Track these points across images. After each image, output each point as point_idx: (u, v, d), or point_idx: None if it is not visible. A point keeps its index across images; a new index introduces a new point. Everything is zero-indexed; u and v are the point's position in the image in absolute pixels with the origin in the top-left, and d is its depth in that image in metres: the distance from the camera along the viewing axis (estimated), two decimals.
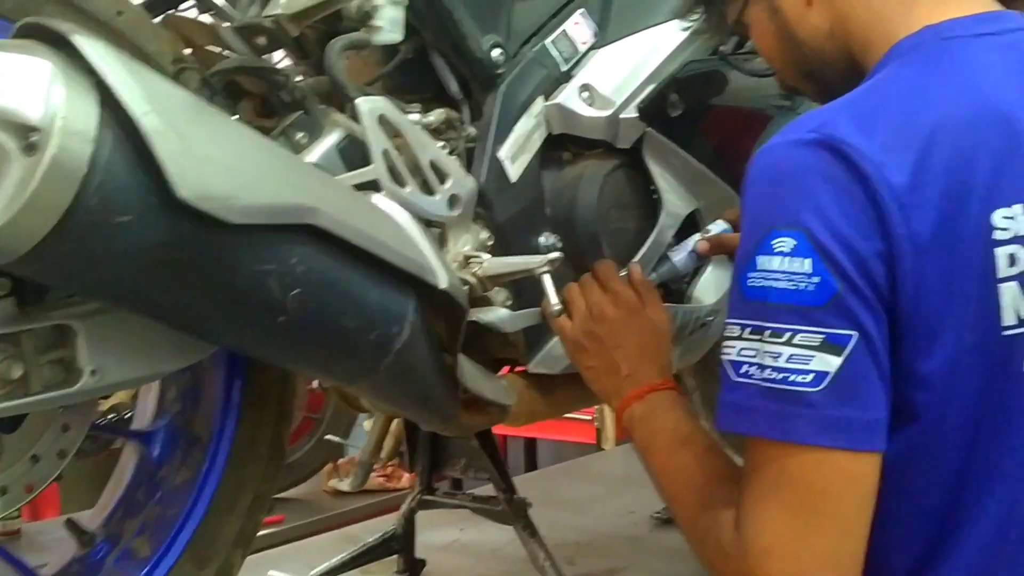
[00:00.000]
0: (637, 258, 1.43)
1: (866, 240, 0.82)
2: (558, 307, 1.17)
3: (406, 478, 3.21)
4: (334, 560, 1.57)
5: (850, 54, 0.99)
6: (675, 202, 1.51)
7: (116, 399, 1.93)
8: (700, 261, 1.47)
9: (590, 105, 1.40)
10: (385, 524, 1.95)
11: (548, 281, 1.16)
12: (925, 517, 0.87)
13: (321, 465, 3.38)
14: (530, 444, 4.46)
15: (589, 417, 3.84)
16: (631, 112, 1.41)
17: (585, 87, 1.39)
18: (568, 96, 1.38)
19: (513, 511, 1.48)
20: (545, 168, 1.38)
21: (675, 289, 1.56)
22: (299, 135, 1.11)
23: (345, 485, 2.99)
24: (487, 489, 1.52)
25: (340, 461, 3.29)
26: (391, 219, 1.00)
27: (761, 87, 1.66)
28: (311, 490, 3.40)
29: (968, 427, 0.85)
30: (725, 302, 1.61)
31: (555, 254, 1.17)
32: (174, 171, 0.74)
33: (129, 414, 1.19)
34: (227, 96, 1.12)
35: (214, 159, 0.78)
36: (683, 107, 1.47)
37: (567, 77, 1.40)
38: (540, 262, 1.15)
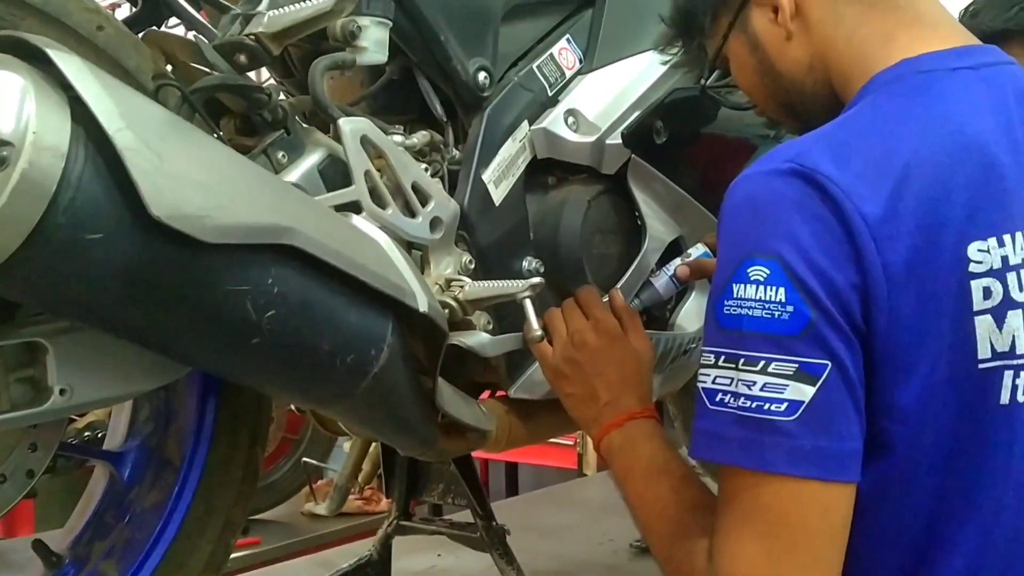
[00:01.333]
0: (620, 284, 1.42)
1: (840, 271, 0.82)
2: (539, 333, 1.15)
3: (384, 502, 3.18)
4: None
5: (829, 87, 1.00)
6: (659, 228, 1.50)
7: (93, 416, 1.91)
8: (681, 286, 1.46)
9: (575, 130, 1.40)
10: (362, 549, 1.93)
11: (530, 306, 1.15)
12: (900, 549, 0.87)
13: (299, 487, 3.35)
14: (511, 468, 4.44)
15: (571, 443, 3.82)
16: (615, 138, 1.41)
17: (570, 112, 1.39)
18: (553, 121, 1.37)
19: (491, 538, 1.46)
20: (529, 192, 1.37)
21: (658, 316, 1.55)
22: (280, 154, 1.10)
23: (322, 509, 2.96)
24: (466, 515, 1.50)
25: (318, 484, 3.26)
26: (371, 240, 0.99)
27: (746, 117, 1.67)
28: (288, 512, 3.36)
29: (943, 460, 0.85)
30: None
31: (537, 279, 1.16)
32: (147, 189, 0.73)
33: (102, 433, 1.17)
34: (208, 114, 1.11)
35: (189, 177, 0.77)
36: (668, 134, 1.47)
37: (553, 102, 1.40)
38: (522, 287, 1.14)
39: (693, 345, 1.59)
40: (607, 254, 1.44)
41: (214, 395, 1.11)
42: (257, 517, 3.41)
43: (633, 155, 1.42)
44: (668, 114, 1.46)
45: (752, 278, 0.84)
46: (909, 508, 0.85)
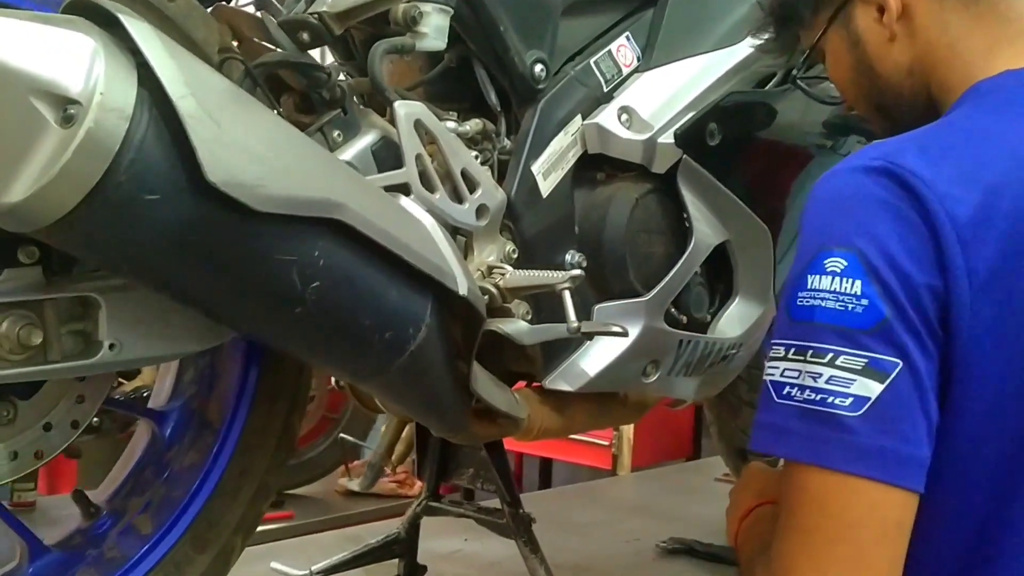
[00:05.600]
0: (661, 285, 1.43)
1: (921, 271, 0.81)
2: (576, 325, 1.16)
3: (417, 486, 3.21)
4: (335, 558, 1.58)
5: (927, 92, 0.99)
6: (706, 231, 1.50)
7: (140, 381, 1.96)
8: None
9: (628, 128, 1.40)
10: (391, 528, 1.96)
11: (568, 298, 1.17)
12: (951, 561, 0.86)
13: (335, 465, 3.39)
14: (545, 464, 4.44)
15: (606, 442, 3.82)
16: (668, 138, 1.42)
17: (624, 109, 1.40)
18: (607, 117, 1.38)
19: (516, 525, 1.47)
20: (577, 187, 1.39)
21: (698, 319, 1.55)
22: (335, 133, 1.12)
23: (355, 485, 3.00)
24: (495, 502, 1.51)
25: (354, 464, 3.30)
26: (417, 222, 1.01)
27: (804, 124, 1.66)
28: (323, 489, 3.41)
29: (1001, 474, 0.84)
30: (749, 337, 1.62)
31: (577, 272, 1.18)
32: (205, 155, 0.76)
33: (148, 394, 1.20)
34: (270, 89, 1.14)
35: (246, 147, 0.80)
36: (721, 137, 1.48)
37: (608, 98, 1.41)
38: (562, 278, 1.15)
39: (733, 351, 1.59)
40: (651, 253, 1.45)
41: (256, 363, 1.14)
42: (292, 492, 3.47)
43: (684, 156, 1.43)
44: (723, 117, 1.46)
45: (828, 269, 0.83)
46: (964, 519, 0.85)
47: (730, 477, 2.41)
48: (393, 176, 1.10)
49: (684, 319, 1.52)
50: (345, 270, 0.90)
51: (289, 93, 1.17)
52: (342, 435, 2.84)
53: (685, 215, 1.48)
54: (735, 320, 1.62)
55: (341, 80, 1.16)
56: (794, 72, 1.26)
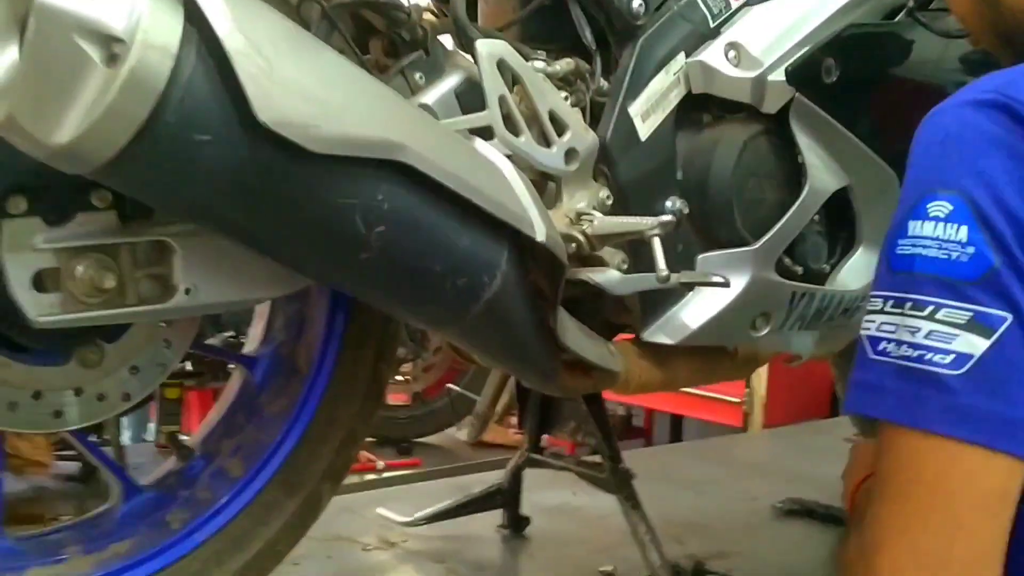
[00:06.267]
0: (771, 234, 1.34)
1: None
2: (665, 273, 1.11)
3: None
4: (439, 506, 1.58)
5: None
6: (822, 176, 1.40)
7: None
8: None
9: (736, 65, 1.32)
10: (495, 477, 1.96)
11: (658, 245, 1.11)
12: None
13: (462, 416, 3.44)
14: (676, 421, 4.38)
15: (738, 399, 3.73)
16: (779, 75, 1.32)
17: (732, 45, 1.31)
18: (713, 54, 1.30)
19: (617, 480, 1.43)
20: (680, 129, 1.31)
21: (816, 270, 1.46)
22: (417, 75, 1.09)
23: (464, 435, 3.04)
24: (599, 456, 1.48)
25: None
26: (491, 165, 0.97)
27: (941, 61, 1.53)
28: (449, 438, 3.47)
29: None
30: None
31: (667, 217, 1.11)
32: (255, 93, 0.74)
33: (244, 339, 1.22)
34: (357, 32, 1.12)
35: (299, 86, 0.78)
36: (840, 74, 1.37)
37: (714, 34, 1.32)
38: (650, 224, 1.09)
39: (856, 304, 1.49)
40: (761, 200, 1.36)
41: (344, 310, 1.14)
42: (421, 440, 3.54)
43: (798, 94, 1.33)
44: (842, 52, 1.35)
45: (931, 214, 0.75)
46: None
47: (860, 437, 2.30)
48: (475, 119, 1.07)
49: (799, 269, 1.43)
50: (411, 214, 0.87)
51: (377, 36, 1.15)
52: (449, 385, 2.86)
53: (799, 158, 1.39)
54: (858, 271, 1.52)
55: (425, 19, 1.13)
56: (911, 3, 1.14)
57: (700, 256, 1.30)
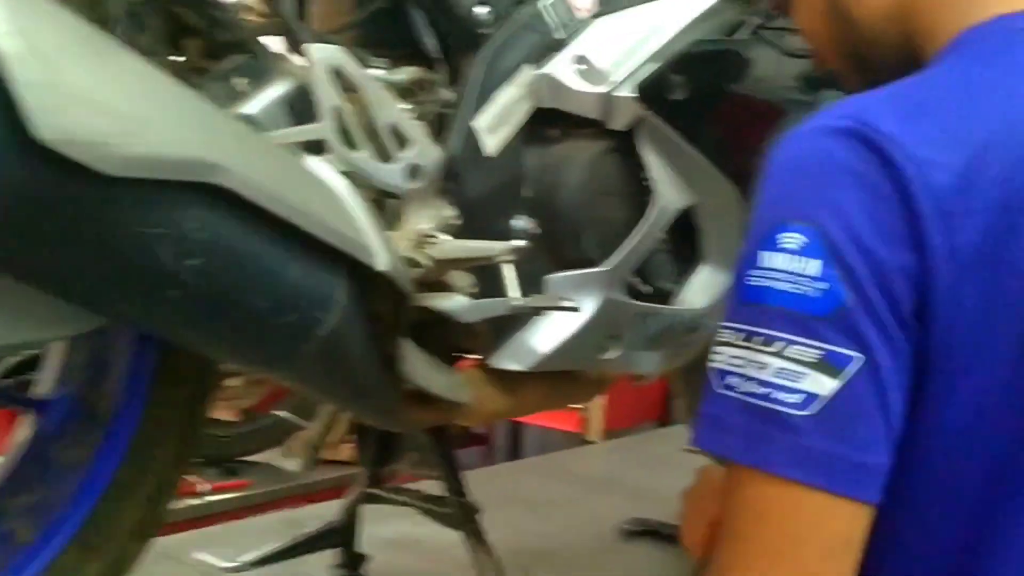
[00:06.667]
0: (621, 254, 1.29)
1: (893, 252, 0.69)
2: (519, 302, 1.03)
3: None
4: (266, 548, 1.45)
5: (908, 41, 0.86)
6: (670, 195, 1.37)
7: None
8: None
9: (584, 79, 1.26)
10: (330, 509, 1.83)
11: (510, 272, 1.03)
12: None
13: (291, 433, 3.26)
14: (515, 428, 4.35)
15: (578, 405, 3.72)
16: (628, 91, 1.28)
17: (580, 59, 1.26)
18: (560, 66, 1.24)
19: (462, 515, 1.35)
20: (527, 145, 1.25)
21: (664, 289, 1.43)
22: (240, 81, 0.97)
23: (292, 465, 2.85)
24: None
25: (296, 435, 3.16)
26: (324, 186, 0.87)
27: (778, 78, 1.52)
28: (278, 457, 3.28)
29: (988, 482, 0.72)
30: (717, 307, 1.49)
31: (519, 242, 1.04)
32: (35, 106, 0.61)
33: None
34: (170, 32, 0.99)
35: (91, 96, 0.65)
36: (687, 91, 1.33)
37: (560, 45, 1.26)
38: (502, 250, 1.02)
39: (700, 321, 1.46)
40: (609, 219, 1.31)
41: (153, 345, 1.00)
42: (249, 460, 3.34)
43: (647, 111, 1.29)
44: (690, 68, 1.32)
45: (783, 246, 0.71)
46: (945, 530, 0.74)
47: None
48: (307, 131, 0.96)
49: (646, 289, 1.40)
50: (230, 245, 0.75)
51: (193, 36, 1.02)
52: (277, 411, 2.69)
53: (647, 177, 1.34)
54: (702, 289, 1.50)
55: (248, 19, 1.01)
56: (757, 21, 1.12)
57: (548, 277, 1.24)
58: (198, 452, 1.08)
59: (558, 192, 1.26)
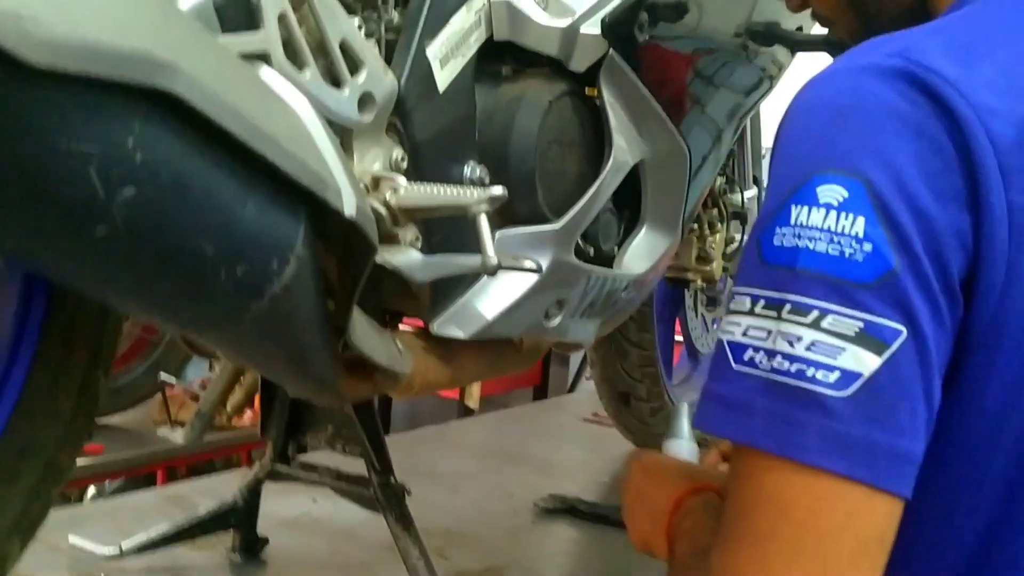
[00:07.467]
0: (574, 211, 1.17)
1: (946, 210, 0.60)
2: (495, 261, 0.89)
3: (249, 415, 2.88)
4: (154, 531, 1.26)
5: None
6: (624, 148, 1.25)
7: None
8: None
9: (545, 10, 1.12)
10: (220, 483, 1.65)
11: (485, 225, 0.89)
12: (953, 562, 0.68)
13: (151, 393, 3.00)
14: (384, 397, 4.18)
15: None
16: (592, 27, 1.14)
17: None
18: None
19: (386, 497, 1.20)
20: (479, 81, 1.10)
21: (605, 251, 1.31)
22: None
23: (179, 437, 2.61)
24: (359, 465, 1.24)
25: (173, 392, 2.92)
26: (286, 106, 0.70)
27: (719, 28, 1.42)
28: (138, 419, 3.02)
29: (1014, 463, 0.65)
30: (652, 272, 1.39)
31: (498, 190, 0.90)
32: None
33: None
34: None
35: None
36: (650, 32, 1.21)
37: None
38: (478, 198, 0.87)
39: (629, 287, 1.36)
40: (564, 171, 1.18)
41: (42, 295, 0.81)
42: (102, 422, 3.05)
43: (612, 51, 1.16)
44: (655, 6, 1.20)
45: (822, 199, 0.61)
46: (967, 515, 0.67)
47: (601, 419, 2.23)
48: (247, 42, 0.78)
49: (590, 250, 1.28)
50: (176, 171, 0.58)
51: None
52: (161, 373, 2.46)
53: (604, 126, 1.22)
54: (641, 253, 1.40)
55: None
56: None
57: (498, 233, 1.10)
58: (90, 431, 0.89)
59: (512, 138, 1.12)
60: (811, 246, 0.61)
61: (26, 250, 0.58)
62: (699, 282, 1.87)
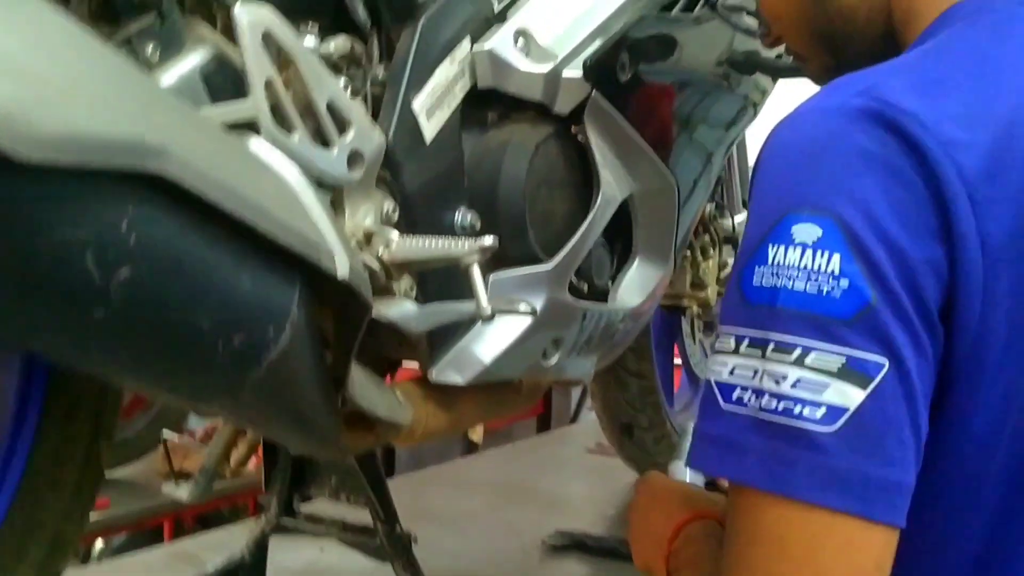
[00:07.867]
0: (566, 250, 1.18)
1: (919, 243, 0.62)
2: (489, 310, 0.90)
3: (253, 462, 2.87)
4: None
5: (887, 17, 0.80)
6: (612, 184, 1.27)
7: None
8: None
9: (526, 56, 1.14)
10: (228, 535, 1.65)
11: (478, 274, 0.90)
12: None
13: (155, 445, 2.99)
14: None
15: None
16: (573, 70, 1.16)
17: (521, 33, 1.13)
18: (500, 42, 1.11)
19: (393, 546, 1.20)
20: (466, 129, 1.11)
21: (599, 286, 1.32)
22: (148, 48, 0.80)
23: (183, 493, 2.60)
24: (364, 515, 1.24)
25: (177, 443, 2.91)
26: (275, 176, 0.71)
27: (701, 60, 1.44)
28: (143, 471, 3.01)
29: (1008, 484, 0.66)
30: (647, 303, 1.40)
31: (489, 239, 0.91)
32: None
33: None
34: None
35: (4, 58, 0.48)
36: (632, 72, 1.23)
37: (500, 18, 1.14)
38: (469, 249, 0.88)
39: (627, 320, 1.37)
40: (553, 212, 1.20)
41: (43, 372, 0.81)
42: (108, 476, 3.04)
43: (594, 92, 1.18)
44: (636, 47, 1.22)
45: (797, 239, 0.63)
46: (964, 533, 0.68)
47: (604, 449, 2.23)
48: (234, 110, 0.79)
49: (584, 287, 1.29)
50: (171, 250, 0.59)
51: None
52: (165, 432, 2.46)
53: (591, 165, 1.23)
54: (636, 285, 1.41)
55: None
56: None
57: (491, 276, 1.11)
58: (95, 501, 0.90)
59: (500, 182, 1.13)
60: (789, 285, 0.63)
61: (24, 338, 0.59)
62: (695, 308, 1.88)
